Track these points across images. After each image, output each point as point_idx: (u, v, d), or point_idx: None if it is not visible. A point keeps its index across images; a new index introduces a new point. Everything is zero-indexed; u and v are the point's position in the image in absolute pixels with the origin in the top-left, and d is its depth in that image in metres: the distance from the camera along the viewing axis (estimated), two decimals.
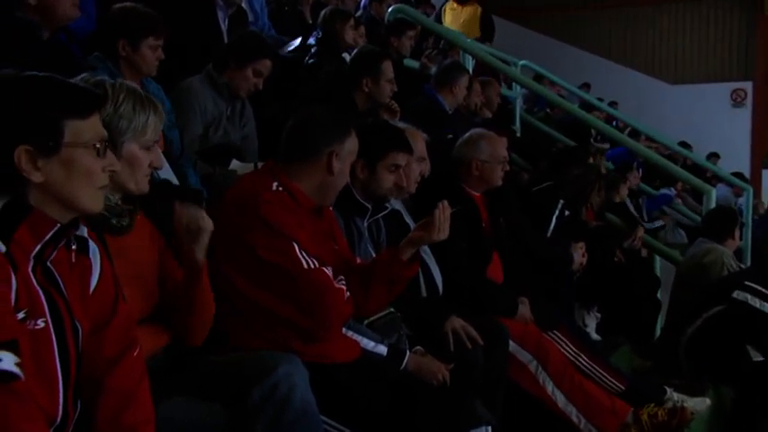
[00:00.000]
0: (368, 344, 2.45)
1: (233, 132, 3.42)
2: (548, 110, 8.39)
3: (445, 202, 2.43)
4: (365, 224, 2.78)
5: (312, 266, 2.20)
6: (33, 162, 1.42)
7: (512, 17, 13.38)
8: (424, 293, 3.03)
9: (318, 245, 2.31)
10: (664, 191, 7.98)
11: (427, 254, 3.13)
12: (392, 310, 2.67)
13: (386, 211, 2.84)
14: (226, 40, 3.96)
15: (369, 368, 2.33)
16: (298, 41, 4.84)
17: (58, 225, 1.48)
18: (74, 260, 1.56)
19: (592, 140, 7.56)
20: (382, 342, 2.51)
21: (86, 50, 3.06)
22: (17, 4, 2.40)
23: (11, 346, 1.33)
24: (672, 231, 8.15)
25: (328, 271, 2.25)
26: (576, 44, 13.71)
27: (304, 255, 2.20)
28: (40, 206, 1.46)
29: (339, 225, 2.60)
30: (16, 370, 1.32)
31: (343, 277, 2.30)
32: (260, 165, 2.94)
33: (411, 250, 2.40)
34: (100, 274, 1.62)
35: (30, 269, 1.44)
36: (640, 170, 7.84)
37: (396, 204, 3.11)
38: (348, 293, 2.28)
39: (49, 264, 1.49)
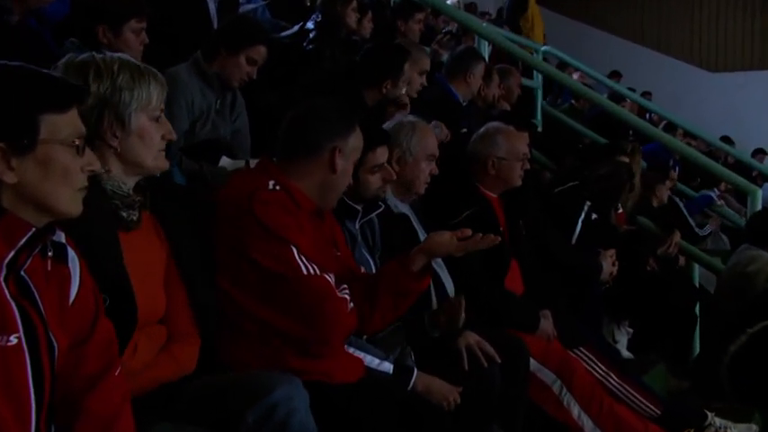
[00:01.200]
0: (372, 361, 2.47)
1: (222, 126, 3.44)
2: (573, 101, 8.39)
3: (491, 236, 2.40)
4: (357, 226, 2.79)
5: (312, 273, 2.22)
6: (6, 161, 1.43)
7: None
8: (434, 306, 3.04)
9: (319, 251, 2.32)
10: (704, 193, 7.96)
11: (438, 263, 3.14)
12: None
13: (379, 210, 2.84)
14: (216, 25, 3.98)
15: (373, 389, 2.34)
16: (296, 28, 4.87)
17: (33, 229, 1.49)
18: (50, 268, 1.56)
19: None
20: (387, 359, 2.52)
21: (59, 36, 3.09)
22: None
23: None
24: (713, 237, 8.12)
25: (330, 278, 2.26)
26: (605, 28, 13.72)
27: (303, 260, 2.21)
28: (13, 208, 1.46)
29: (342, 231, 2.62)
30: None
31: (346, 286, 2.32)
32: (253, 162, 2.96)
33: (422, 261, 2.40)
34: (80, 285, 1.62)
35: (2, 279, 1.45)
36: (677, 169, 7.81)
37: (403, 208, 3.12)
38: (352, 304, 2.29)
39: (23, 273, 1.49)
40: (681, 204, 6.59)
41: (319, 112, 2.42)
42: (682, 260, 5.74)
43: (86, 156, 1.54)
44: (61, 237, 1.61)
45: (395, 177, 2.83)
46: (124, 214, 1.87)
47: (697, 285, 5.63)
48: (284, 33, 4.90)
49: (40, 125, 1.46)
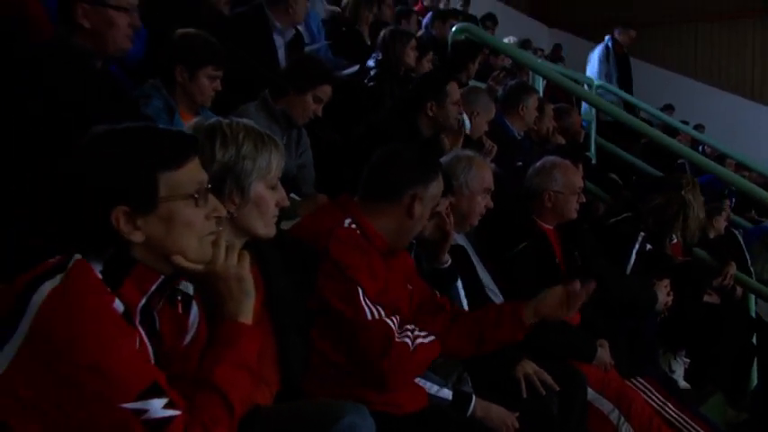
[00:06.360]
0: (431, 388, 2.47)
1: (289, 161, 3.50)
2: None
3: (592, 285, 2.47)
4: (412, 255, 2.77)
5: (377, 317, 2.20)
6: (132, 222, 1.45)
7: (585, 34, 13.35)
8: None
9: (391, 289, 2.32)
10: (763, 224, 7.76)
11: (494, 292, 3.13)
12: None
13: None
14: (283, 65, 4.05)
15: (436, 419, 2.33)
16: (357, 67, 4.94)
17: (162, 277, 1.52)
18: (174, 316, 1.60)
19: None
20: (446, 385, 2.51)
21: (136, 78, 3.19)
22: (73, 29, 2.52)
23: (153, 391, 1.37)
24: None
25: (394, 321, 2.24)
26: (657, 62, 13.57)
27: (368, 303, 2.19)
28: (143, 259, 1.49)
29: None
30: (168, 412, 1.37)
31: (409, 328, 2.28)
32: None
33: (534, 318, 2.45)
34: (193, 336, 1.65)
35: (137, 322, 1.50)
36: (733, 199, 7.65)
37: (459, 239, 3.11)
38: (414, 343, 2.25)
39: (155, 314, 1.54)
40: (740, 237, 6.43)
41: (402, 157, 2.43)
42: (739, 291, 5.61)
43: (211, 202, 1.54)
44: (189, 288, 1.64)
45: (447, 227, 2.80)
46: None
47: (754, 316, 5.51)
48: (346, 71, 4.97)
49: (159, 184, 1.46)
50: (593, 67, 8.65)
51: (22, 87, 2.40)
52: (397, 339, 2.21)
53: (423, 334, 2.31)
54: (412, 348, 2.24)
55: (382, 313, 2.21)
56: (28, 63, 2.47)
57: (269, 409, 1.96)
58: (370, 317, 2.19)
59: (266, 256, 2.04)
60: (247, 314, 1.56)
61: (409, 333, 2.27)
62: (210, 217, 1.53)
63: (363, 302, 2.19)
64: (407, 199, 2.36)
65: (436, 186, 2.42)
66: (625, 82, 8.65)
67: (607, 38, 8.67)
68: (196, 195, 1.50)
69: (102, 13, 2.51)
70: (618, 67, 8.58)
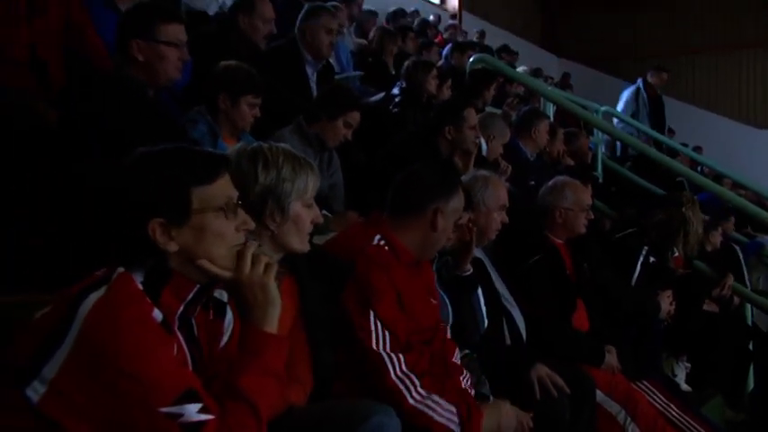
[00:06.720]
0: None
1: (321, 181, 3.49)
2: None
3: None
4: (434, 268, 2.75)
5: (380, 348, 2.14)
6: (167, 233, 1.46)
7: (591, 64, 13.31)
8: (508, 341, 3.01)
9: (415, 303, 2.28)
10: (757, 239, 7.66)
11: (509, 302, 3.12)
12: (468, 351, 2.66)
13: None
14: (315, 93, 4.08)
15: None
16: (382, 95, 4.96)
17: (197, 286, 1.53)
18: (209, 320, 1.61)
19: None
20: None
21: (182, 105, 3.23)
22: (128, 62, 2.56)
23: (189, 396, 1.38)
24: (766, 279, 7.82)
25: (394, 360, 2.15)
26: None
27: (377, 328, 2.15)
28: (180, 269, 1.50)
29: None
30: (202, 416, 1.38)
31: (416, 380, 2.15)
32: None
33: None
34: (227, 341, 1.65)
35: (177, 329, 1.51)
36: (732, 217, 7.57)
37: (477, 253, 3.10)
38: (419, 405, 2.13)
39: (193, 320, 1.55)
40: (739, 251, 6.36)
41: (423, 175, 2.43)
42: (736, 301, 5.54)
43: (240, 216, 1.54)
44: (224, 296, 1.65)
45: (468, 238, 2.77)
46: None
47: (750, 324, 5.44)
48: (372, 99, 4.99)
49: (192, 198, 1.48)
50: (621, 103, 8.70)
51: (77, 109, 2.45)
52: (391, 378, 2.13)
53: (444, 412, 2.16)
54: (412, 402, 2.12)
55: (387, 345, 2.15)
56: (87, 90, 2.52)
57: (300, 409, 1.94)
58: (374, 344, 2.14)
59: (301, 269, 2.04)
60: (272, 321, 1.56)
61: (414, 391, 2.14)
62: (240, 229, 1.54)
63: (372, 326, 2.15)
64: (431, 213, 2.36)
65: (457, 200, 2.42)
66: (658, 121, 8.65)
67: (639, 80, 8.70)
68: (225, 208, 1.51)
69: (154, 48, 2.56)
70: (650, 107, 8.59)
